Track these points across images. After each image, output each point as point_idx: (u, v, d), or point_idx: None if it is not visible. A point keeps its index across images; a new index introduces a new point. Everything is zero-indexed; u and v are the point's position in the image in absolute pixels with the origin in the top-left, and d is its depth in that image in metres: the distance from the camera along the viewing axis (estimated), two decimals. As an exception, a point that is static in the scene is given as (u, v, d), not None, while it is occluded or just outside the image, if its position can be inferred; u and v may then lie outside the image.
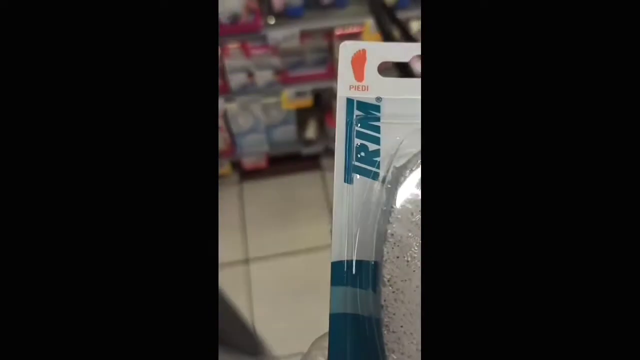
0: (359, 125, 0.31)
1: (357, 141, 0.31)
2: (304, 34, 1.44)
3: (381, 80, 0.31)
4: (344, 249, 0.31)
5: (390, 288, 0.30)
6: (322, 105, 1.87)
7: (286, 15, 1.41)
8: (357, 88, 0.31)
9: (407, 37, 1.29)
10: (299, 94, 1.62)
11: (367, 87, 0.31)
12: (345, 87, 0.31)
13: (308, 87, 1.60)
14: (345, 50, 0.31)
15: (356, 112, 0.31)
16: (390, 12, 1.12)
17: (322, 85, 1.61)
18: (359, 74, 0.31)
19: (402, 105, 0.31)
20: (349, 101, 0.31)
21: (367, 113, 0.31)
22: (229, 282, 1.66)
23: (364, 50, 0.30)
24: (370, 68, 0.31)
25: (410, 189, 0.31)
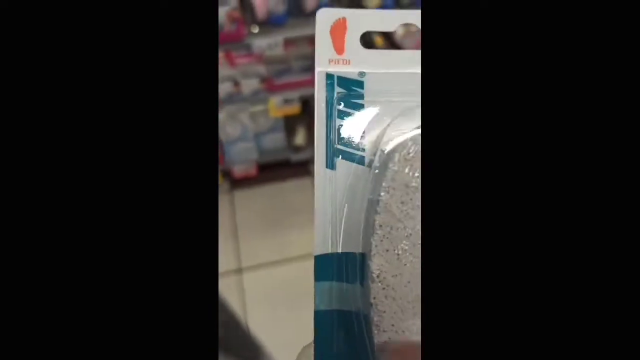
0: (341, 104, 0.27)
1: (340, 122, 0.27)
2: (288, 42, 1.41)
3: (364, 53, 0.27)
4: (327, 241, 0.27)
5: (379, 284, 0.27)
6: (310, 111, 1.84)
7: (270, 23, 1.38)
8: (337, 62, 0.27)
9: (391, 43, 1.27)
10: (286, 101, 1.59)
11: (349, 60, 0.27)
12: (323, 60, 0.27)
13: (295, 94, 1.57)
14: (323, 19, 0.27)
15: (337, 89, 0.27)
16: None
17: (309, 91, 1.58)
18: (338, 45, 0.27)
19: (389, 81, 0.27)
20: (329, 76, 0.27)
21: (350, 90, 0.27)
22: (222, 292, 1.61)
23: (344, 19, 0.27)
24: (352, 39, 0.27)
25: (401, 174, 0.27)
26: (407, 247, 0.27)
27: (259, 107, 1.61)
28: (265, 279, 1.60)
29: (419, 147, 0.27)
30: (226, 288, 1.58)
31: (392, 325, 0.27)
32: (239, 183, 1.85)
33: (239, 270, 1.63)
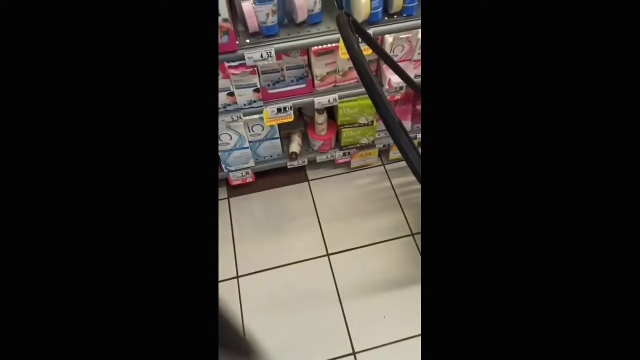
0: None
1: None
2: (281, 52, 1.36)
3: None
4: None
5: None
6: (304, 119, 1.80)
7: (262, 35, 1.34)
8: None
9: (381, 54, 1.22)
10: (281, 110, 1.54)
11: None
12: None
13: (289, 103, 1.53)
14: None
15: None
16: (360, 29, 1.04)
17: (302, 100, 1.54)
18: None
19: None
20: None
21: None
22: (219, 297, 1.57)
23: None
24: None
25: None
26: None
27: (254, 117, 1.58)
28: (262, 284, 1.57)
29: None
30: (223, 294, 1.55)
31: None
32: (235, 190, 1.82)
33: (236, 277, 1.59)
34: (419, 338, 1.49)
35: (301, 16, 1.33)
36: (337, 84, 1.55)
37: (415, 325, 1.45)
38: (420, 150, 0.56)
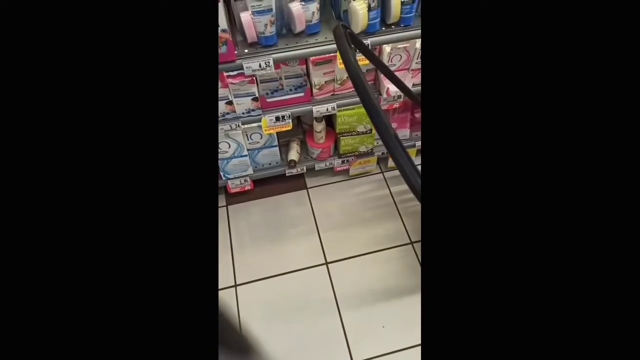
0: None
1: None
2: (279, 62, 1.36)
3: None
4: None
5: None
6: (302, 127, 1.80)
7: (260, 45, 1.33)
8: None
9: (378, 65, 1.22)
10: (279, 119, 1.54)
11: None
12: None
13: (287, 112, 1.52)
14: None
15: None
16: (357, 41, 1.04)
17: (301, 108, 1.53)
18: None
19: None
20: None
21: None
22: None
23: None
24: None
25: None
26: None
27: (252, 125, 1.57)
28: (260, 293, 1.55)
29: None
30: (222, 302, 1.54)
31: None
32: (234, 197, 1.81)
33: (234, 285, 1.58)
34: (419, 348, 1.48)
35: (299, 26, 1.32)
36: (335, 93, 1.54)
37: (415, 335, 1.44)
38: (419, 161, 0.55)
